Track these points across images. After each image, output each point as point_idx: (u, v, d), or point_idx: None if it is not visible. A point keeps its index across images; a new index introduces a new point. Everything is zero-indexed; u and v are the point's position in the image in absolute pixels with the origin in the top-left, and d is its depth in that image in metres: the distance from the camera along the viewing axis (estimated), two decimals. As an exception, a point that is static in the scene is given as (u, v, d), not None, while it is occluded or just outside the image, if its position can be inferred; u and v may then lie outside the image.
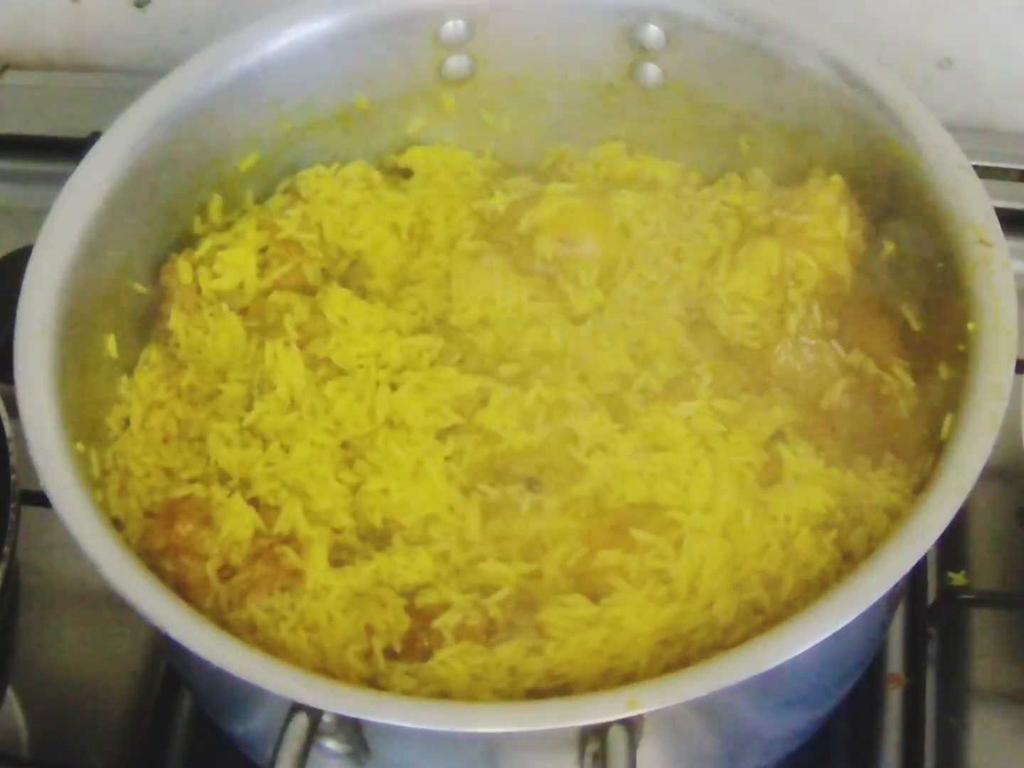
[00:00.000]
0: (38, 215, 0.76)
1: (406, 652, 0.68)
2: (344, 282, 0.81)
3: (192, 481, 0.74)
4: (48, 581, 0.89)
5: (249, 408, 0.75)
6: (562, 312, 0.80)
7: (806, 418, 0.75)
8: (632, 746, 0.59)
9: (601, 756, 0.59)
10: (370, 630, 0.69)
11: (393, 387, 0.75)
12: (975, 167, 0.75)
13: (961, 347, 0.71)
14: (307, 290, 0.81)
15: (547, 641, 0.67)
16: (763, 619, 0.68)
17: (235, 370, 0.78)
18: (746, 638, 0.64)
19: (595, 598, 0.68)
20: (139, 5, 1.17)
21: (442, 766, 0.67)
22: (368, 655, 0.68)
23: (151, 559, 0.70)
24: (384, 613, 0.69)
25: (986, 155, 1.02)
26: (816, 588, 0.68)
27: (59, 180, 0.77)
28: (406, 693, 0.66)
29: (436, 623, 0.68)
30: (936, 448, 0.70)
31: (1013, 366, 0.69)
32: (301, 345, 0.76)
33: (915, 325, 0.78)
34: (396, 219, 0.83)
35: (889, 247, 0.79)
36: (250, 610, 0.69)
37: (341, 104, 0.87)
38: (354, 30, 0.84)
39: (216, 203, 0.84)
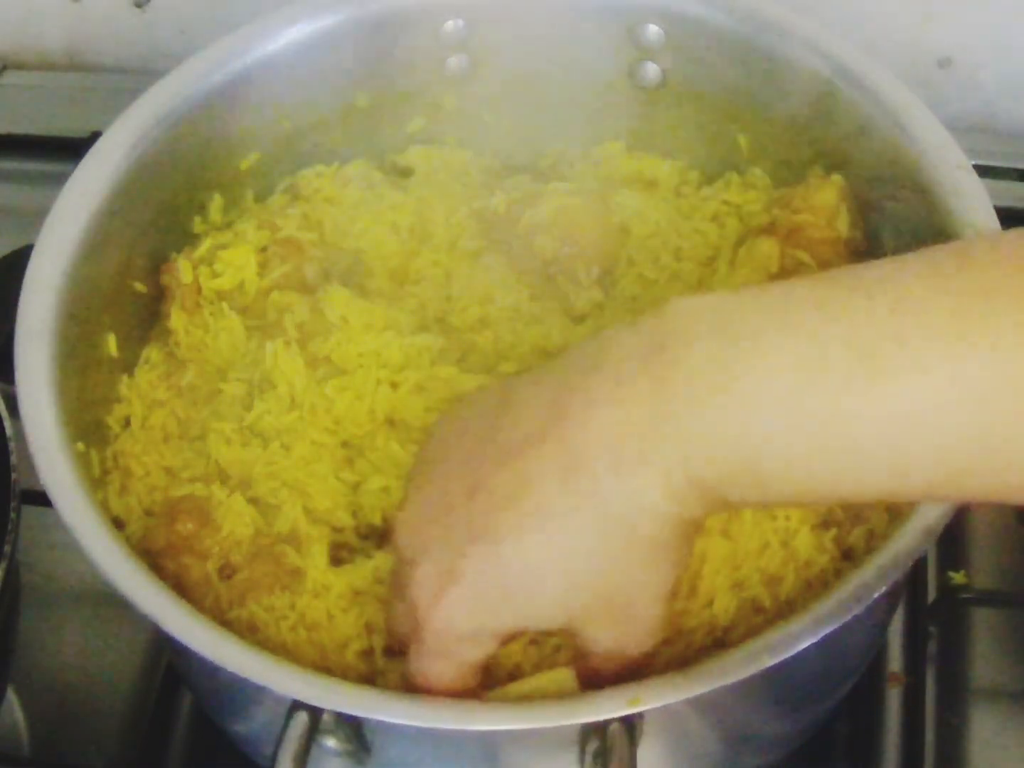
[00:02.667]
0: (38, 215, 0.76)
1: (406, 650, 0.68)
2: (344, 281, 0.81)
3: (192, 480, 0.74)
4: (48, 581, 0.89)
5: (249, 407, 0.75)
6: (562, 311, 0.80)
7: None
8: (633, 744, 0.59)
9: (601, 754, 0.59)
10: (370, 628, 0.69)
11: (393, 386, 0.75)
12: (975, 167, 0.75)
13: (961, 346, 0.71)
14: (307, 289, 0.80)
15: (548, 637, 0.67)
16: (763, 617, 0.68)
17: (235, 369, 0.78)
18: (746, 636, 0.64)
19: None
20: (139, 5, 1.17)
21: (443, 764, 0.67)
22: (368, 653, 0.68)
23: (151, 558, 0.70)
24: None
25: (986, 155, 1.02)
26: (816, 586, 0.68)
27: (59, 180, 0.77)
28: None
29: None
30: (936, 447, 0.70)
31: (1013, 365, 0.69)
32: (301, 344, 0.76)
33: (915, 324, 0.77)
34: (396, 218, 0.83)
35: (889, 246, 0.79)
36: (250, 609, 0.69)
37: (341, 104, 0.87)
38: (354, 30, 0.84)
39: (216, 203, 0.84)
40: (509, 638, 0.61)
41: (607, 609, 0.58)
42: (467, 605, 0.58)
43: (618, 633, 0.59)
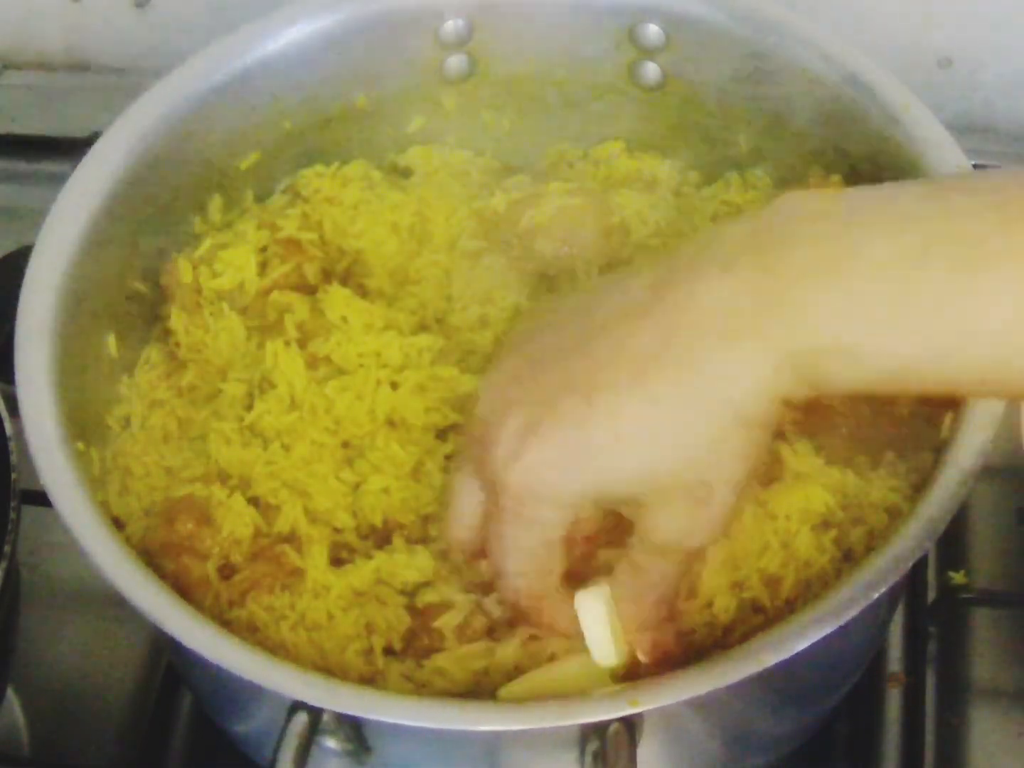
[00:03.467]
0: (38, 215, 0.76)
1: (406, 650, 0.68)
2: (344, 281, 0.81)
3: (192, 480, 0.74)
4: (48, 581, 0.89)
5: (249, 407, 0.75)
6: (562, 311, 0.80)
7: (806, 416, 0.74)
8: (633, 745, 0.59)
9: (601, 755, 0.59)
10: (370, 628, 0.69)
11: (393, 386, 0.74)
12: (975, 167, 0.75)
13: (961, 346, 0.71)
14: (307, 289, 0.80)
15: (550, 635, 0.67)
16: (763, 618, 0.68)
17: (235, 369, 0.78)
18: (746, 637, 0.64)
19: (595, 597, 0.69)
20: (139, 5, 1.17)
21: (443, 764, 0.67)
22: (368, 653, 0.68)
23: (151, 558, 0.70)
24: (384, 611, 0.69)
25: (986, 155, 1.02)
26: (816, 587, 0.68)
27: (59, 180, 0.77)
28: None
29: (438, 623, 0.68)
30: (936, 447, 0.70)
31: (1013, 365, 0.69)
32: (301, 344, 0.76)
33: (915, 324, 0.78)
34: (396, 218, 0.83)
35: (889, 246, 0.79)
36: (250, 609, 0.69)
37: (341, 104, 0.87)
38: (354, 29, 0.84)
39: (216, 203, 0.84)
40: (586, 511, 0.59)
41: (685, 489, 0.57)
42: (549, 459, 0.57)
43: (688, 519, 0.58)
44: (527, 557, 0.60)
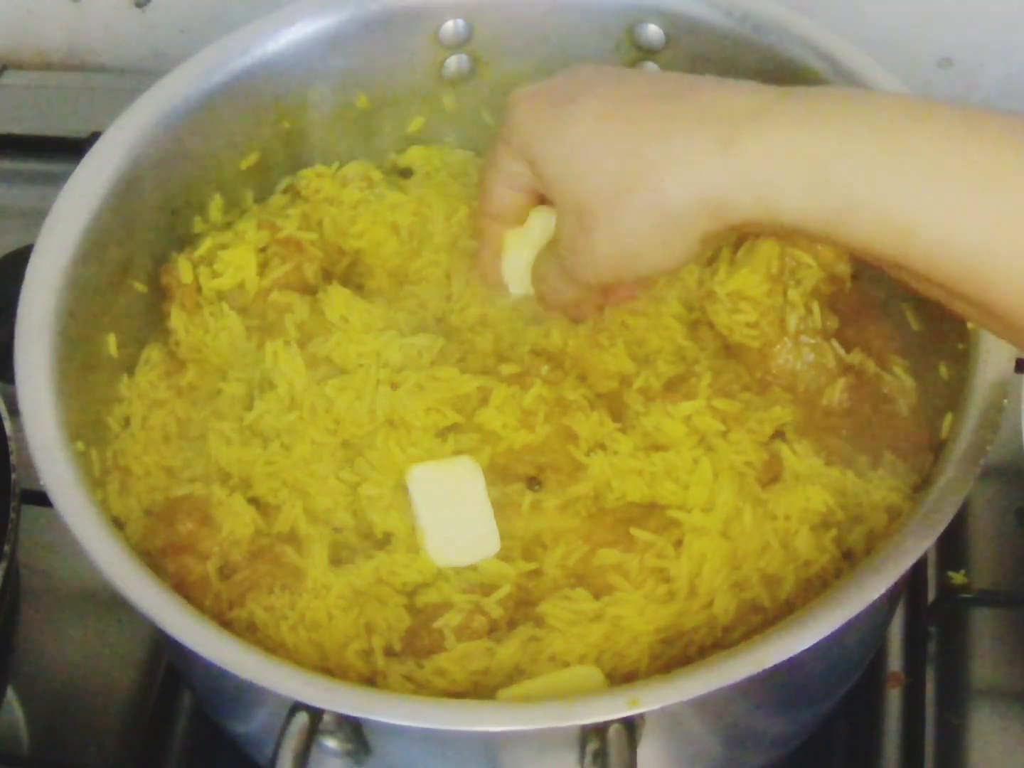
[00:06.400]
0: (38, 215, 0.76)
1: (405, 650, 0.68)
2: (344, 281, 0.81)
3: (192, 480, 0.74)
4: (48, 581, 0.89)
5: (249, 407, 0.75)
6: (562, 311, 0.80)
7: (806, 417, 0.75)
8: (633, 745, 0.59)
9: (602, 755, 0.59)
10: (370, 628, 0.69)
11: (393, 386, 0.75)
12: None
13: (961, 346, 0.71)
14: (307, 289, 0.80)
15: (548, 631, 0.67)
16: (763, 618, 0.68)
17: (235, 369, 0.78)
18: (746, 637, 0.64)
19: (596, 597, 0.69)
20: (139, 5, 1.17)
21: (443, 765, 0.67)
22: (368, 653, 0.68)
23: (151, 558, 0.70)
24: (384, 611, 0.69)
25: (986, 155, 1.02)
26: (816, 587, 0.68)
27: (59, 180, 0.77)
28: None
29: (438, 623, 0.68)
30: (936, 447, 0.70)
31: (1013, 365, 0.69)
32: (301, 344, 0.76)
33: (915, 324, 0.78)
34: (396, 218, 0.83)
35: (889, 246, 0.78)
36: (250, 609, 0.69)
37: (341, 104, 0.87)
38: (354, 30, 0.84)
39: (216, 203, 0.84)
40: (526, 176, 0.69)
41: (577, 211, 0.65)
42: (532, 117, 0.69)
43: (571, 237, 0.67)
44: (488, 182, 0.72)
